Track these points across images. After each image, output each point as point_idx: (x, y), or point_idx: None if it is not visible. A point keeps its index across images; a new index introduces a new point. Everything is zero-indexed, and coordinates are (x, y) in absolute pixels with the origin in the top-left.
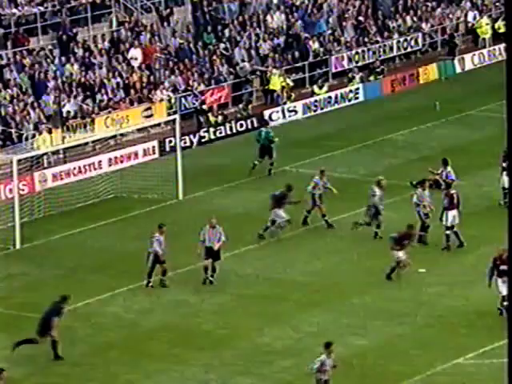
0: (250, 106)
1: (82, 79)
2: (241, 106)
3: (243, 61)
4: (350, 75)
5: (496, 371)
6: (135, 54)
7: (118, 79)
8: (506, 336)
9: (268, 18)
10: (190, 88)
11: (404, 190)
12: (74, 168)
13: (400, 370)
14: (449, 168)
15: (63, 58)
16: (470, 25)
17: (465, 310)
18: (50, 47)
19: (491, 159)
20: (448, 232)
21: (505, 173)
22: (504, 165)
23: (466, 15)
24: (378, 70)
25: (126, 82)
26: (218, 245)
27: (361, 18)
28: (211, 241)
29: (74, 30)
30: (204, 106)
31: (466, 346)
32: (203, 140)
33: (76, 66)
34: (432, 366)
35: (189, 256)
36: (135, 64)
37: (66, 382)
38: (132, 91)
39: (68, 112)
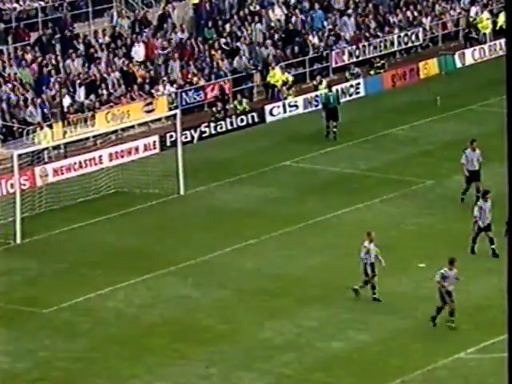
0: (245, 101)
1: (84, 74)
2: (236, 101)
3: (248, 58)
4: (347, 74)
5: (497, 365)
6: (138, 49)
7: (119, 74)
8: (507, 335)
9: (270, 12)
10: (189, 81)
11: (404, 185)
12: (75, 163)
13: (401, 365)
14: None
15: (64, 53)
16: (471, 19)
17: (465, 305)
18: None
19: (491, 154)
20: None
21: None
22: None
23: (468, 10)
24: (378, 64)
25: (127, 76)
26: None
27: (360, 13)
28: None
29: (75, 25)
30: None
31: (467, 341)
32: (204, 135)
33: (77, 61)
34: (433, 361)
35: (189, 250)
36: (138, 59)
37: (66, 376)
38: (133, 86)
39: (69, 107)
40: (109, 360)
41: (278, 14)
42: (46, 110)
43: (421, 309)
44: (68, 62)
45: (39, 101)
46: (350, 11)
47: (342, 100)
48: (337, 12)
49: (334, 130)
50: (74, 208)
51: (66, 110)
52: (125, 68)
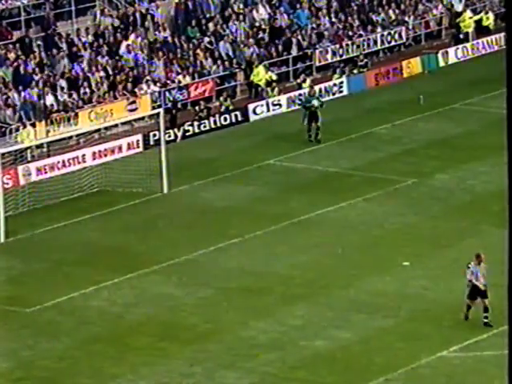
0: (229, 100)
1: (67, 73)
2: (221, 98)
3: (227, 54)
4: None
5: (480, 364)
6: (122, 47)
7: (102, 73)
8: (507, 334)
9: (254, 11)
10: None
11: (387, 184)
12: (58, 162)
13: (384, 363)
14: None
15: (47, 52)
16: (456, 17)
17: (449, 303)
18: (34, 40)
19: (475, 152)
20: None
21: None
22: None
23: (451, 7)
24: (361, 63)
25: (111, 75)
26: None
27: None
28: (478, 278)
29: (58, 24)
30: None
31: (450, 339)
32: (187, 134)
33: (60, 60)
34: (416, 359)
35: (173, 249)
36: (125, 56)
37: (50, 376)
38: (116, 85)
39: (52, 105)
40: (92, 359)
41: (262, 13)
42: (28, 109)
43: (404, 307)
44: (51, 59)
45: (22, 100)
46: (332, 10)
47: (325, 99)
48: (319, 11)
49: (317, 131)
50: (57, 207)
51: (48, 108)
52: (108, 67)
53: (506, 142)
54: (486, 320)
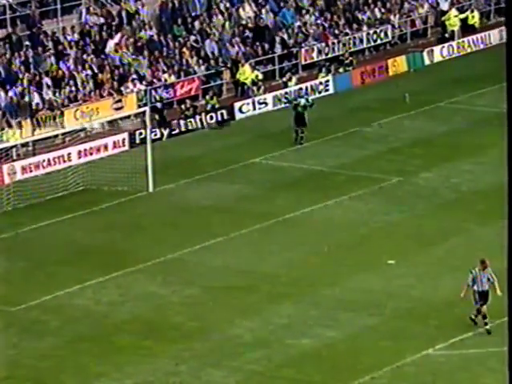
0: (215, 98)
1: (52, 71)
2: (207, 97)
3: (213, 53)
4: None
5: (465, 362)
6: (109, 45)
7: (88, 71)
8: (507, 334)
9: (240, 10)
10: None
11: (372, 182)
12: (44, 160)
13: (369, 361)
14: None
15: (33, 50)
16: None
17: (434, 302)
18: (20, 39)
19: (460, 151)
20: None
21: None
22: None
23: (437, 5)
24: (346, 62)
25: (97, 74)
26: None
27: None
28: (483, 284)
29: (44, 22)
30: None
31: (436, 337)
32: (173, 132)
33: (46, 58)
34: (402, 357)
35: (158, 248)
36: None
37: (35, 374)
38: (102, 83)
39: (37, 104)
40: (77, 358)
41: (248, 11)
42: (13, 108)
43: (390, 305)
44: (36, 58)
45: (8, 98)
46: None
47: (311, 97)
48: (304, 10)
49: (302, 135)
50: (42, 205)
51: (34, 107)
52: (94, 66)
53: (506, 141)
54: (486, 327)
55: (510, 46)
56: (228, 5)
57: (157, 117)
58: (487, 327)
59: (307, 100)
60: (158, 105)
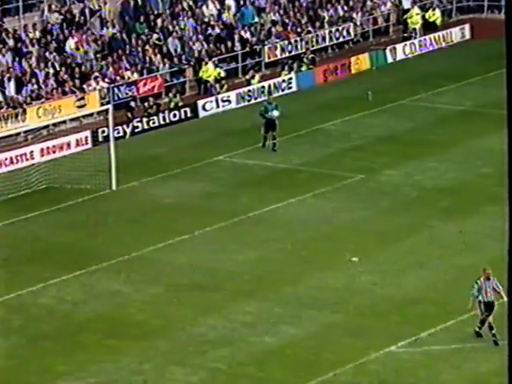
0: (178, 96)
1: (14, 69)
2: (170, 94)
3: (176, 51)
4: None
5: (428, 359)
6: (70, 43)
7: (51, 69)
8: (507, 334)
9: (203, 8)
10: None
11: (336, 180)
12: (6, 158)
13: (333, 359)
14: None
15: None
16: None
17: (397, 299)
18: None
19: (422, 148)
20: None
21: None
22: None
23: (399, 3)
24: (308, 60)
25: (59, 71)
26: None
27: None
28: (487, 294)
29: (5, 20)
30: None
31: (399, 334)
32: (136, 130)
33: (6, 56)
34: (365, 354)
35: (122, 246)
36: (71, 53)
37: None
38: (64, 81)
39: None
40: (41, 357)
41: (211, 9)
42: None
43: (353, 303)
44: None
45: None
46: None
47: (275, 95)
48: (265, 9)
49: (274, 141)
50: (5, 204)
51: None
52: (56, 64)
53: (507, 141)
54: (494, 338)
55: (510, 46)
56: (191, 3)
57: (129, 114)
58: (494, 338)
59: (278, 109)
60: (132, 103)
